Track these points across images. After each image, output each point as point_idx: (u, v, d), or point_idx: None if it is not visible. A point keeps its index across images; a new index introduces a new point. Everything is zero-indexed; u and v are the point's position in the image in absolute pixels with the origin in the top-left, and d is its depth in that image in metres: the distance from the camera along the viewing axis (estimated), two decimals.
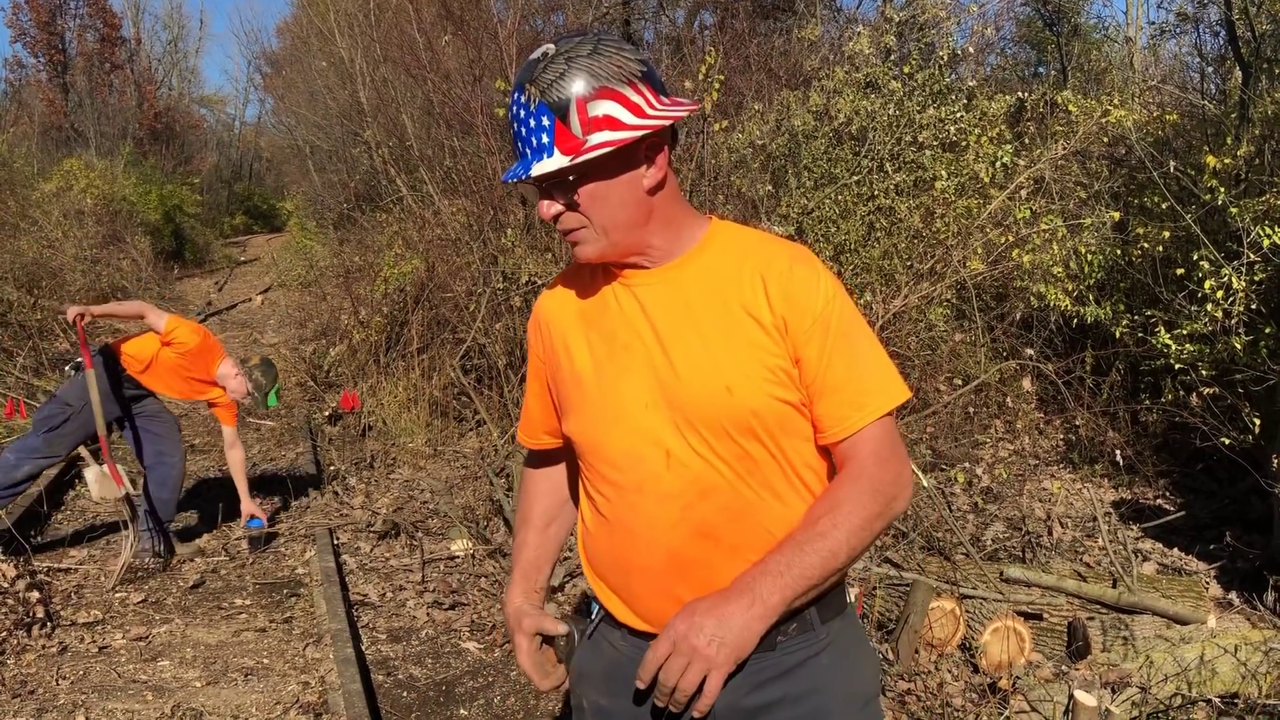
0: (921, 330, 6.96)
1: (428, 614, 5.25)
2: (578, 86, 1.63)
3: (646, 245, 1.75)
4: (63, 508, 6.76)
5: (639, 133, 1.64)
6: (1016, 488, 6.42)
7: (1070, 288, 7.17)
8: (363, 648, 4.84)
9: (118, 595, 5.35)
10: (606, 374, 1.77)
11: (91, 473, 6.87)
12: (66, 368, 5.72)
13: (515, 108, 1.69)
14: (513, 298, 7.88)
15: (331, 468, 7.73)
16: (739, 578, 1.64)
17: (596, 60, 1.65)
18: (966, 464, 6.51)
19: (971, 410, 7.13)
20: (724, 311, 1.71)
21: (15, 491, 5.69)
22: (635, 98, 1.66)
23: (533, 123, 1.67)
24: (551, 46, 1.68)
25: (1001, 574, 4.91)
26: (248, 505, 6.08)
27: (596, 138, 1.63)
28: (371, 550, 6.16)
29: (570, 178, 1.68)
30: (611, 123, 1.64)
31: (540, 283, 7.49)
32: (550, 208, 1.72)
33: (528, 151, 1.69)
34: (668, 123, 1.67)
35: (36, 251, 13.78)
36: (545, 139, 1.66)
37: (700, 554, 1.70)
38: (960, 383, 7.00)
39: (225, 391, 5.92)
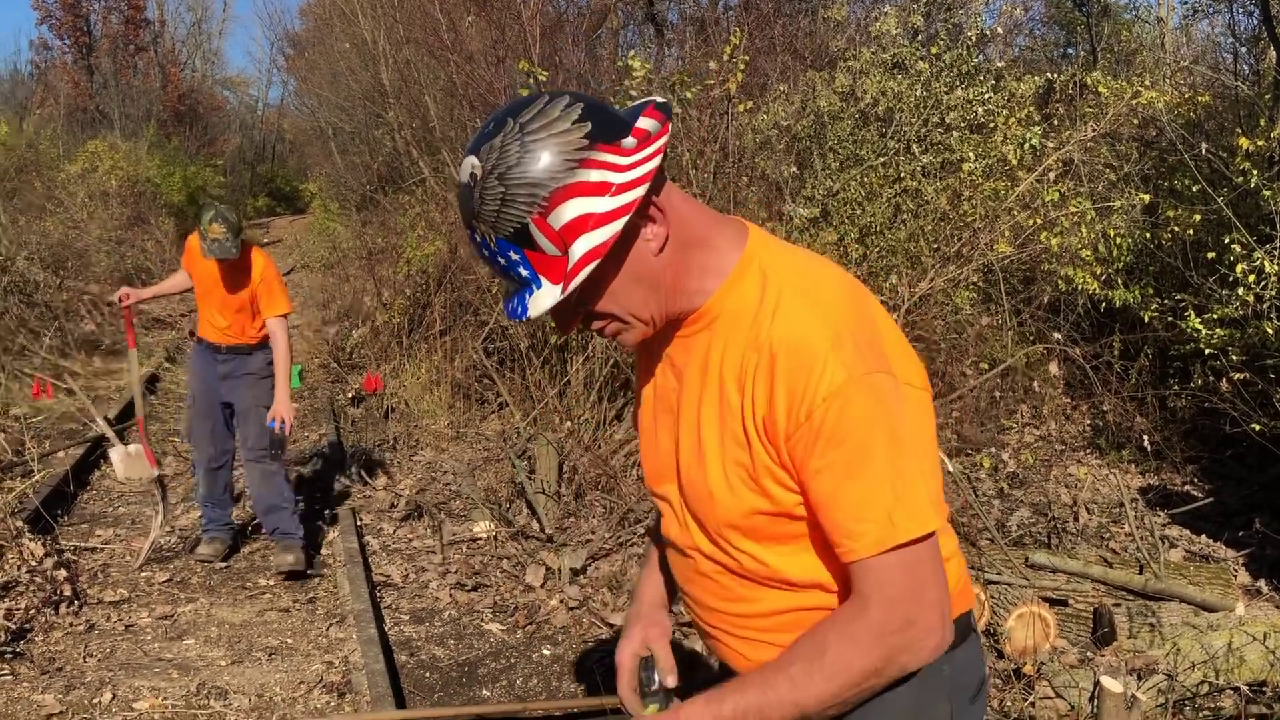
0: (948, 314, 6.90)
1: (450, 595, 5.26)
2: (525, 207, 1.38)
3: (680, 308, 1.53)
4: (89, 488, 6.81)
5: (622, 218, 1.38)
6: (1043, 473, 6.37)
7: (1099, 271, 7.09)
8: (385, 628, 4.85)
9: (144, 574, 5.38)
10: (656, 429, 1.66)
11: (116, 453, 6.93)
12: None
13: (478, 247, 1.46)
14: None
15: (354, 449, 7.75)
16: (694, 707, 1.48)
17: (529, 162, 1.37)
18: (992, 449, 6.46)
19: (998, 395, 7.07)
20: (720, 393, 1.50)
21: (221, 511, 5.65)
22: (596, 175, 1.38)
23: (502, 260, 1.44)
24: (474, 161, 1.41)
25: (1027, 559, 4.87)
26: (278, 405, 5.31)
27: (578, 248, 1.39)
28: (394, 531, 6.17)
29: (575, 297, 1.46)
30: (585, 222, 1.38)
31: None
32: (569, 327, 1.53)
33: (513, 287, 1.48)
34: (645, 184, 1.40)
35: (62, 233, 13.89)
36: (524, 271, 1.43)
37: (705, 616, 1.65)
38: (986, 367, 6.95)
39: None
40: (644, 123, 1.45)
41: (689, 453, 1.55)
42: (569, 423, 7.08)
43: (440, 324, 9.28)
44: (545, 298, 1.42)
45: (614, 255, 1.43)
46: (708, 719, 1.44)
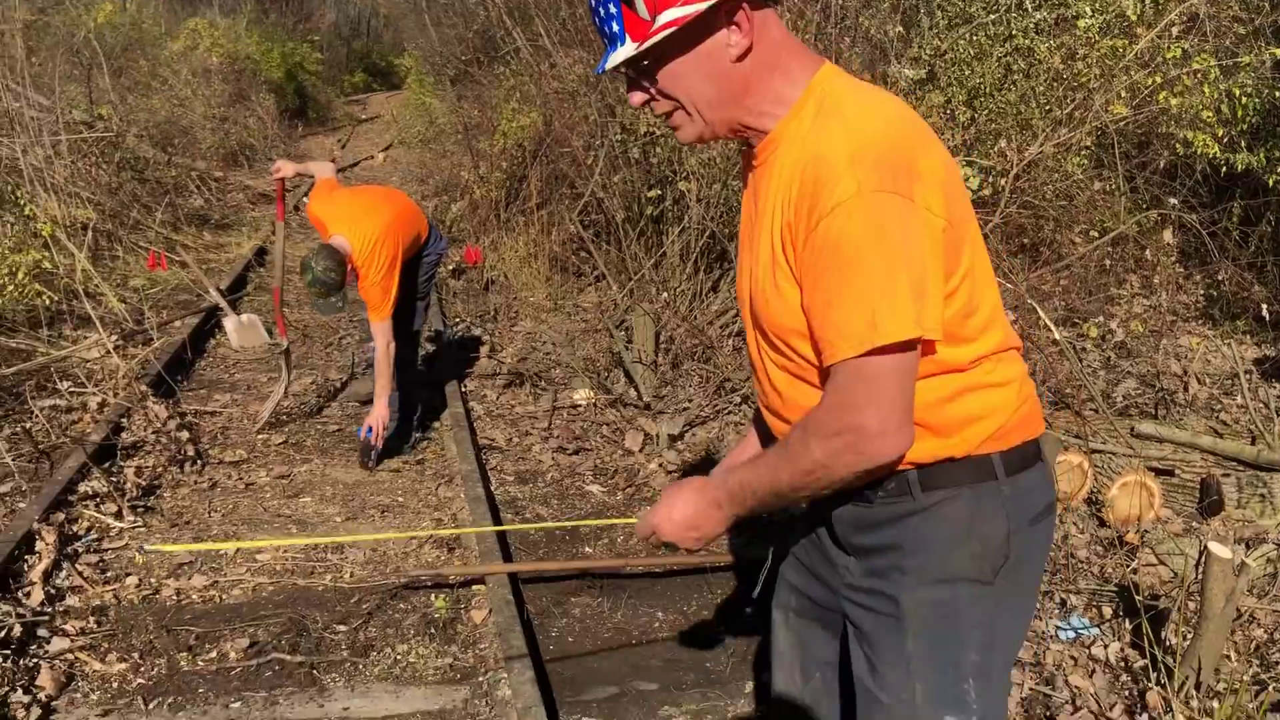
0: (1057, 180, 6.65)
1: (553, 458, 5.40)
2: None
3: (742, 122, 1.69)
4: (205, 355, 7.08)
5: (708, 2, 1.55)
6: (1152, 343, 6.20)
7: (1220, 133, 6.73)
8: (491, 488, 5.01)
9: (260, 437, 5.62)
10: (743, 252, 1.81)
11: (230, 322, 7.18)
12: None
13: None
14: (630, 150, 7.79)
15: (457, 320, 7.90)
16: (721, 479, 1.74)
17: None
18: (1100, 318, 6.30)
19: (1108, 264, 6.85)
20: (775, 210, 1.64)
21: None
22: None
23: (603, 11, 1.63)
24: None
25: (1132, 429, 4.79)
26: (374, 413, 5.13)
27: (664, 16, 1.56)
28: (497, 398, 6.32)
29: (645, 63, 1.64)
30: None
31: (659, 134, 7.38)
32: (637, 96, 1.70)
33: (605, 41, 1.66)
34: None
35: (168, 110, 14.14)
36: (616, 27, 1.62)
37: (781, 430, 1.81)
38: (1096, 235, 6.72)
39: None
40: None
41: (754, 263, 1.71)
42: (665, 294, 7.09)
43: (537, 197, 9.28)
44: (622, 53, 1.62)
45: (691, 37, 1.60)
46: (721, 485, 1.72)
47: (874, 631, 1.76)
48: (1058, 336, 4.81)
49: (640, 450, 5.38)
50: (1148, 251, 6.92)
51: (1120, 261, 7.00)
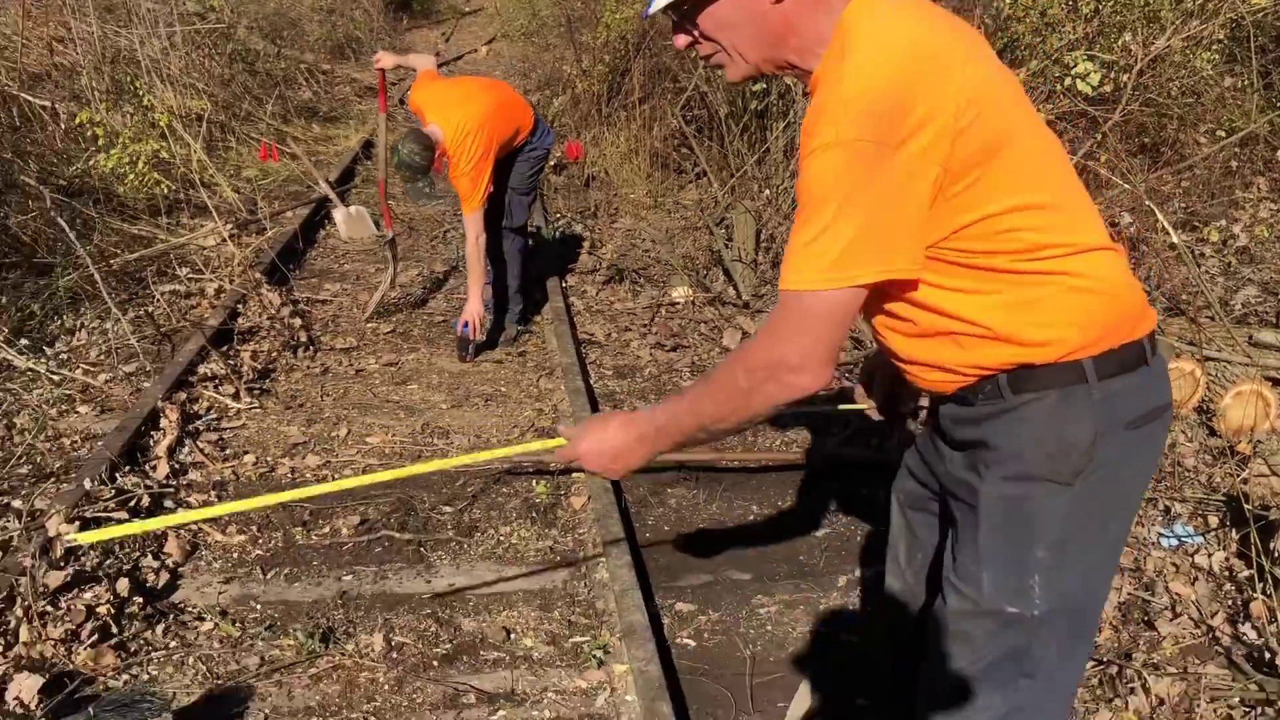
0: (1184, 76, 6.33)
1: (650, 354, 5.45)
2: None
3: (789, 61, 1.72)
4: (315, 245, 7.26)
5: None
6: (1277, 249, 5.94)
7: None
8: (590, 382, 5.09)
9: (369, 325, 5.78)
10: None
11: (339, 214, 7.32)
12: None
13: None
14: None
15: (558, 215, 7.94)
16: (649, 414, 1.85)
17: None
18: (1222, 222, 6.04)
19: (1234, 165, 6.54)
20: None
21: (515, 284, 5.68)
22: None
23: None
24: None
25: (1250, 338, 4.62)
26: (469, 308, 5.22)
27: None
28: (596, 294, 6.37)
29: (686, 7, 1.68)
30: None
31: None
32: (681, 39, 1.74)
33: None
34: None
35: (277, 2, 14.24)
36: None
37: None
38: (1224, 134, 6.41)
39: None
40: None
41: None
42: (767, 191, 7.01)
43: (639, 92, 9.19)
44: None
45: None
46: (648, 420, 1.83)
47: (960, 522, 1.84)
48: (1175, 240, 4.64)
49: None
50: (1279, 153, 6.58)
51: (1248, 163, 6.68)
